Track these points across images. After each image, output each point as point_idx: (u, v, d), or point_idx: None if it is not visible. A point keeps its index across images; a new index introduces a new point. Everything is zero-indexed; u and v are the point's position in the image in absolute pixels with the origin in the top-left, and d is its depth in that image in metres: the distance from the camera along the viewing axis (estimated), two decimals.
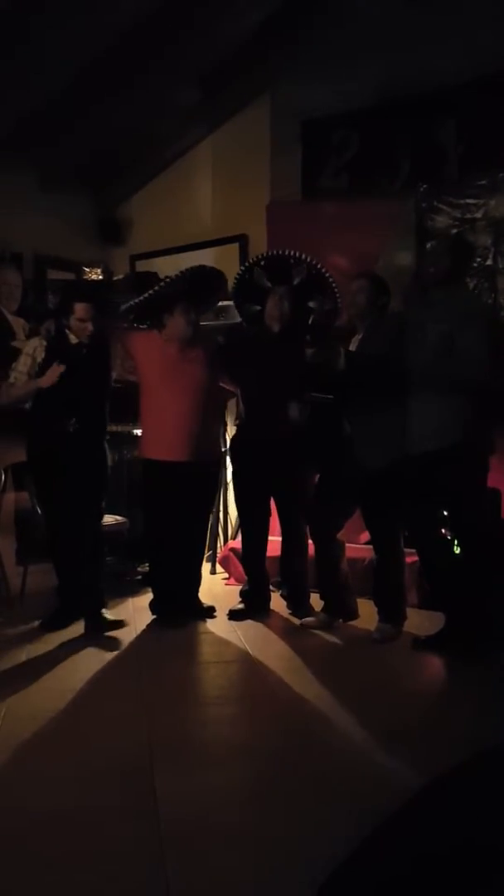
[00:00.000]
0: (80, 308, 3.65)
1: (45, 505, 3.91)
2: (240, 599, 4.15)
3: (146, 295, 3.80)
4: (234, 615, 4.03)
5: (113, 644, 3.61)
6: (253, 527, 4.15)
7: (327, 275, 3.86)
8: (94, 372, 3.79)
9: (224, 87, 5.17)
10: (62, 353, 3.68)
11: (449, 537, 3.70)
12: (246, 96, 5.41)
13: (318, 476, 3.95)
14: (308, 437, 3.85)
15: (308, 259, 3.84)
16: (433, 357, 3.28)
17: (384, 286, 3.73)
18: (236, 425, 4.13)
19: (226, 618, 4.01)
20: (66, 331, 3.71)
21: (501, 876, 0.93)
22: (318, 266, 3.85)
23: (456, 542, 3.64)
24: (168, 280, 3.80)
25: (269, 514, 4.15)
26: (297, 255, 3.86)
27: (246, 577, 4.23)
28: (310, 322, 3.89)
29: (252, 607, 4.09)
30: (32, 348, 3.73)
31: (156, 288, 3.80)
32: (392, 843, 1.05)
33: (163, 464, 3.86)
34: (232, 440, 4.23)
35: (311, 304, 3.93)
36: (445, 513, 3.58)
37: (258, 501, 4.10)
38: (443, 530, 3.67)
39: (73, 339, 3.71)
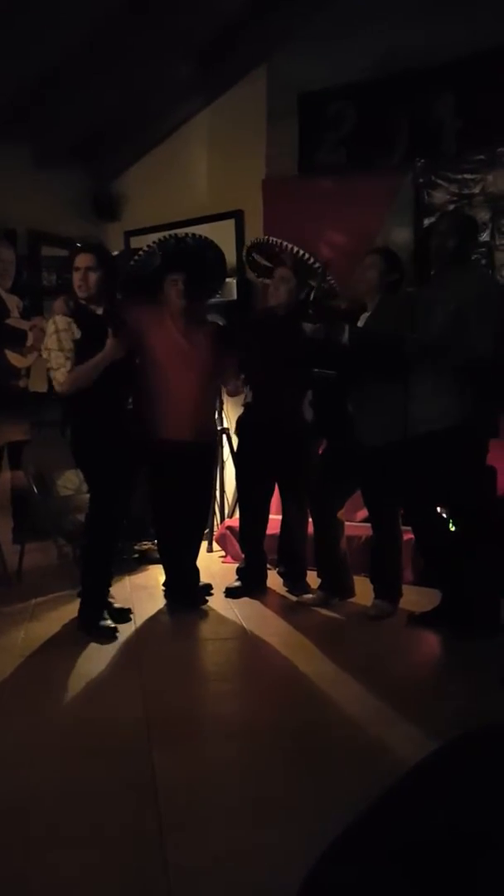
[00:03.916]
0: (81, 258, 3.39)
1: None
2: (237, 577, 4.16)
3: (131, 264, 3.75)
4: (230, 593, 4.04)
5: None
6: (253, 505, 4.15)
7: (311, 261, 3.83)
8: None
9: (220, 60, 5.09)
10: (93, 324, 3.40)
11: (444, 515, 3.69)
12: (242, 69, 5.32)
13: (321, 453, 3.95)
14: (313, 414, 3.84)
15: (290, 248, 3.79)
16: (441, 337, 3.23)
17: (396, 263, 3.66)
18: (244, 405, 4.10)
19: (223, 595, 4.02)
20: (85, 303, 3.45)
21: (489, 862, 0.93)
22: (300, 254, 3.81)
23: (452, 521, 3.63)
24: (145, 251, 3.74)
25: (270, 493, 4.15)
26: (280, 244, 3.85)
27: (243, 555, 4.24)
28: (311, 298, 3.86)
29: (249, 585, 4.10)
30: (65, 323, 3.37)
31: (133, 260, 3.76)
32: (374, 831, 1.04)
33: (169, 443, 3.72)
34: (239, 420, 4.20)
35: (310, 282, 3.89)
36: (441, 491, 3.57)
37: (261, 480, 4.10)
38: (438, 508, 3.67)
39: (97, 310, 3.46)
